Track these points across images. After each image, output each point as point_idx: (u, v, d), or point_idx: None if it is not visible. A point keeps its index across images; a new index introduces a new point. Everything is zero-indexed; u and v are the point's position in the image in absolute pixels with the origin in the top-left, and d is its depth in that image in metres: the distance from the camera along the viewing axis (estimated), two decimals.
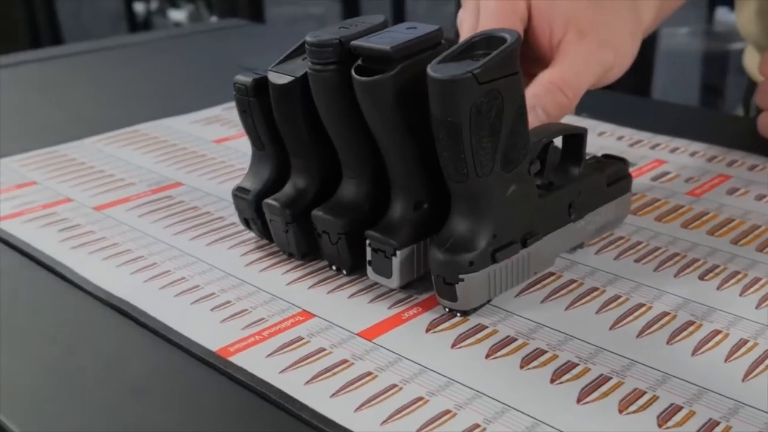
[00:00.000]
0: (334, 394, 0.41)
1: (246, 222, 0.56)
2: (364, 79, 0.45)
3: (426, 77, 0.43)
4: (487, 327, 0.46)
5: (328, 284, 0.51)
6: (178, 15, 3.70)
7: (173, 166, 0.70)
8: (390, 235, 0.48)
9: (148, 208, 0.62)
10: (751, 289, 0.50)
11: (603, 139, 0.74)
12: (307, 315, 0.48)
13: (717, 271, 0.52)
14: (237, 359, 0.44)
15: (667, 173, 0.67)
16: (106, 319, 0.48)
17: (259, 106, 0.52)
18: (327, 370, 0.43)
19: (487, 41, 0.45)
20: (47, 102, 0.90)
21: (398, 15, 2.86)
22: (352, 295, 0.50)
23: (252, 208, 0.54)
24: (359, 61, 0.46)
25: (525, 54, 0.52)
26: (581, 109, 0.80)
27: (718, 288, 0.50)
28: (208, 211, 0.61)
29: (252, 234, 0.57)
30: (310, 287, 0.51)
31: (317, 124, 0.50)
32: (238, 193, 0.55)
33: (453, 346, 0.45)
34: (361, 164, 0.50)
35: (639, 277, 0.51)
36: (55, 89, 0.95)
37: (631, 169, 0.66)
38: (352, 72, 0.45)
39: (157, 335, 0.46)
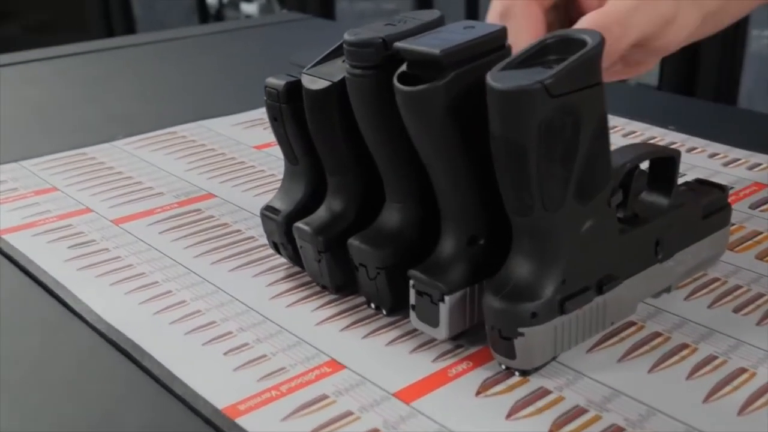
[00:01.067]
0: None
1: (275, 246, 0.48)
2: (407, 88, 0.37)
3: (485, 87, 0.35)
4: (551, 392, 0.38)
5: (365, 326, 0.43)
6: (249, 8, 3.67)
7: (206, 174, 0.63)
8: (438, 277, 0.40)
9: (173, 223, 0.55)
10: None
11: (693, 156, 0.65)
12: (336, 366, 0.40)
13: None
14: (246, 421, 0.36)
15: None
16: (104, 357, 0.42)
17: (293, 114, 0.45)
18: None
19: (563, 44, 0.37)
20: (86, 97, 0.84)
21: (472, 12, 2.75)
22: (391, 341, 0.42)
23: (282, 231, 0.47)
24: (404, 67, 0.38)
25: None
26: (668, 122, 0.71)
27: None
28: (238, 229, 0.54)
29: (282, 259, 0.49)
30: (342, 329, 0.43)
31: (357, 137, 0.42)
32: (267, 212, 0.48)
33: (509, 416, 0.37)
34: (408, 186, 0.42)
35: (739, 332, 0.42)
36: (98, 84, 0.89)
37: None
38: (394, 79, 0.37)
39: (158, 382, 0.39)
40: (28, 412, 0.38)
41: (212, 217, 0.56)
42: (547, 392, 0.38)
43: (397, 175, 0.42)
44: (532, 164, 0.35)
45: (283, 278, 0.48)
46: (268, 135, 0.71)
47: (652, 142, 0.68)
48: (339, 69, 0.43)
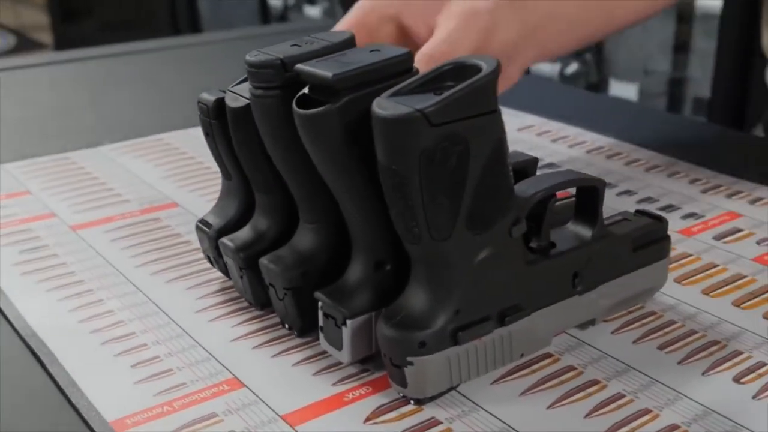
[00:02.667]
0: None
1: (209, 259, 0.49)
2: (302, 111, 0.37)
3: None
4: (441, 423, 0.37)
5: (278, 345, 0.43)
6: (313, 11, 3.70)
7: (178, 183, 0.63)
8: (341, 301, 0.39)
9: (128, 231, 0.56)
10: None
11: (673, 181, 0.63)
12: (236, 384, 0.40)
13: (762, 371, 0.41)
14: None
15: (738, 230, 0.55)
16: (20, 362, 0.43)
17: (223, 130, 0.45)
18: None
19: (459, 71, 0.36)
20: (91, 101, 0.86)
21: None
22: (298, 362, 0.42)
23: (213, 245, 0.47)
24: (305, 89, 0.38)
25: None
26: (658, 142, 0.69)
27: (755, 397, 0.39)
28: (187, 240, 0.54)
29: (219, 274, 0.50)
30: (255, 347, 0.43)
31: None
32: (201, 225, 0.48)
33: None
34: (319, 208, 0.42)
35: (656, 371, 0.41)
36: (109, 87, 0.91)
37: (696, 222, 0.56)
38: (294, 102, 0.37)
39: (60, 391, 0.40)
40: None
41: (168, 226, 0.56)
42: (437, 423, 0.37)
43: (309, 197, 0.42)
44: (415, 193, 0.35)
45: (215, 292, 0.48)
46: None
47: (636, 164, 0.66)
48: None
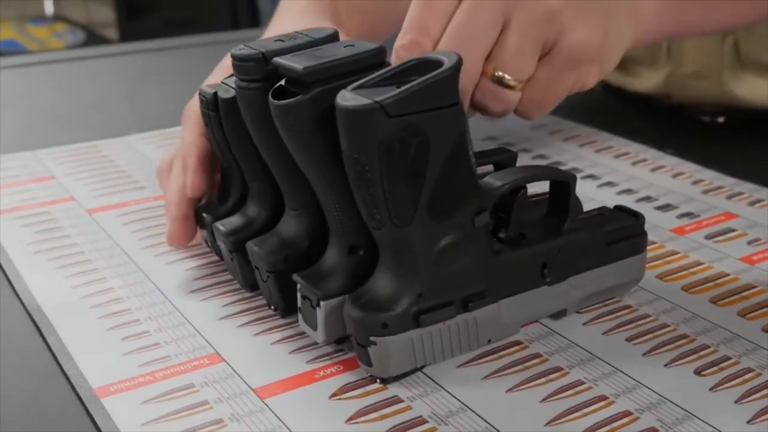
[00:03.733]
0: None
1: (206, 242, 0.52)
2: (275, 102, 0.39)
3: None
4: (402, 401, 0.39)
5: (259, 325, 0.46)
6: None
7: None
8: (316, 283, 0.42)
9: (139, 215, 0.59)
10: (754, 396, 0.39)
11: (677, 181, 0.64)
12: (216, 359, 0.43)
13: (724, 365, 0.42)
14: (109, 401, 0.39)
15: (730, 231, 0.56)
16: (22, 330, 0.46)
17: (220, 122, 0.48)
18: (192, 430, 0.38)
19: (422, 66, 0.38)
20: (129, 93, 0.90)
21: None
22: (277, 341, 0.44)
23: (209, 230, 0.50)
24: (282, 82, 0.40)
25: None
26: (666, 145, 0.70)
27: (712, 389, 0.40)
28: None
29: (216, 257, 0.52)
30: (240, 326, 0.46)
31: None
32: (200, 210, 0.51)
33: (349, 419, 0.38)
34: (301, 196, 0.44)
35: (619, 361, 0.42)
36: (148, 82, 0.94)
37: (691, 221, 0.57)
38: (270, 94, 0.40)
39: (55, 360, 0.43)
40: None
41: None
42: (397, 401, 0.39)
43: (292, 185, 0.44)
44: (375, 182, 0.37)
45: (210, 274, 0.51)
46: None
47: (642, 164, 0.67)
48: None
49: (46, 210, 0.60)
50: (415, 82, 0.36)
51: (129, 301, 0.48)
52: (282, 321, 0.46)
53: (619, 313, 0.46)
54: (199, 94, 0.48)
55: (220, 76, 0.48)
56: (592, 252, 0.45)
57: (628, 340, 0.44)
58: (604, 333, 0.45)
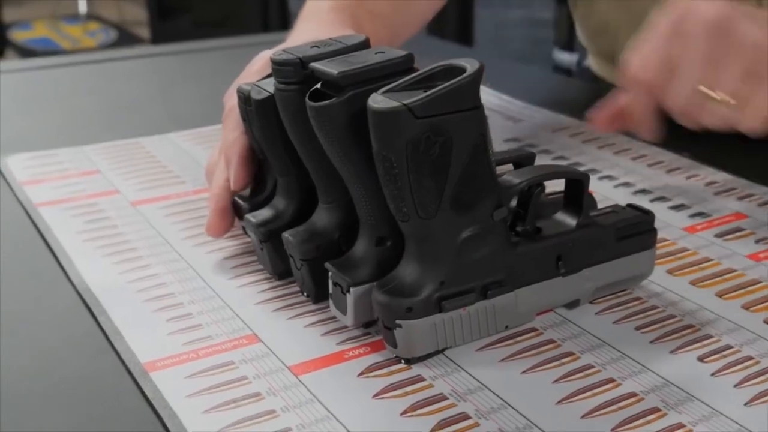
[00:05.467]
0: (223, 429, 0.39)
1: (244, 230, 0.55)
2: (311, 103, 0.42)
3: None
4: (424, 380, 0.43)
5: (293, 309, 0.49)
6: None
7: None
8: (346, 271, 0.45)
9: (181, 208, 0.63)
10: (752, 381, 0.42)
11: (690, 183, 0.67)
12: (253, 339, 0.46)
13: (727, 353, 0.45)
14: (157, 375, 0.43)
15: (739, 230, 0.58)
16: (75, 311, 0.50)
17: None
18: (233, 401, 0.41)
19: (448, 72, 0.41)
20: (166, 93, 0.94)
21: None
22: (310, 324, 0.48)
23: (244, 217, 0.53)
24: (318, 85, 0.44)
25: None
26: (683, 149, 0.72)
27: (713, 374, 0.43)
28: None
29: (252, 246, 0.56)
30: (275, 310, 0.49)
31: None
32: (237, 199, 0.54)
33: (375, 395, 0.42)
34: (333, 191, 0.48)
35: (628, 348, 0.45)
36: (186, 80, 0.98)
37: (703, 220, 0.60)
38: (306, 96, 0.43)
39: (105, 337, 0.47)
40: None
41: None
42: (420, 379, 0.43)
43: (324, 181, 0.48)
44: (402, 177, 0.40)
45: (246, 263, 0.55)
46: None
47: (657, 166, 0.70)
48: None
49: (94, 202, 0.64)
50: (440, 87, 0.39)
51: (172, 286, 0.52)
52: (313, 307, 0.49)
53: (629, 304, 0.49)
54: (238, 91, 0.52)
55: (251, 76, 0.52)
56: (604, 246, 0.48)
57: (637, 328, 0.47)
58: (614, 322, 0.48)
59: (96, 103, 0.90)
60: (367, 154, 0.43)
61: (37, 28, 4.07)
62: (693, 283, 0.52)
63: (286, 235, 0.49)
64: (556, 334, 0.46)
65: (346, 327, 0.47)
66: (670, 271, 0.53)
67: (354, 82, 0.42)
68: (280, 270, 0.51)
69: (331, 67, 0.42)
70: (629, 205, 0.50)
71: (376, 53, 0.44)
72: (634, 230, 0.49)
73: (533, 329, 0.47)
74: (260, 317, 0.48)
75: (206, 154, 0.72)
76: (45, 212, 0.62)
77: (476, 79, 0.40)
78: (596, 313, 0.48)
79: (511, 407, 0.41)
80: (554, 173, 0.46)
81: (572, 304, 0.48)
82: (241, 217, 0.55)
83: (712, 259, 0.55)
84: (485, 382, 0.43)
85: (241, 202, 0.54)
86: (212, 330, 0.47)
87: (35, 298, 0.52)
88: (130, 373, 0.44)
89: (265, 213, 0.51)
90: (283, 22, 3.50)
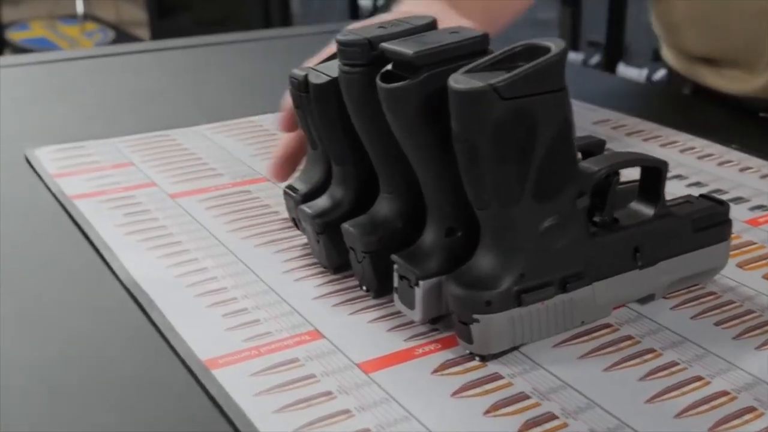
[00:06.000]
0: (298, 430, 0.37)
1: (294, 221, 0.53)
2: (384, 85, 0.40)
3: None
4: (502, 378, 0.41)
5: (354, 305, 0.47)
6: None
7: (267, 160, 0.68)
8: (414, 263, 0.43)
9: (221, 201, 0.60)
10: None
11: (745, 175, 0.65)
12: (316, 335, 0.44)
13: None
14: (220, 373, 0.41)
15: None
16: (124, 308, 0.47)
17: (311, 103, 0.49)
18: (304, 400, 0.39)
19: (530, 51, 0.39)
20: (192, 87, 0.91)
21: (617, 21, 2.71)
22: (373, 320, 0.46)
23: (297, 210, 0.51)
24: (389, 66, 0.41)
25: None
26: (731, 140, 0.70)
27: None
28: (276, 211, 0.59)
29: (304, 240, 0.54)
30: (335, 305, 0.47)
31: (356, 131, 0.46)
32: (288, 191, 0.52)
33: (454, 394, 0.39)
34: (397, 179, 0.46)
35: (711, 344, 0.43)
36: (206, 74, 0.96)
37: (763, 213, 0.58)
38: (378, 78, 0.41)
39: (159, 333, 0.45)
40: (43, 344, 0.44)
41: (257, 198, 0.61)
42: (498, 377, 0.41)
43: (387, 168, 0.45)
44: (484, 162, 0.38)
45: (299, 256, 0.52)
46: None
47: (708, 159, 0.68)
48: None
49: (131, 194, 0.61)
50: (526, 67, 0.37)
51: (224, 280, 0.49)
52: (375, 301, 0.47)
53: (704, 299, 0.47)
54: (290, 77, 0.50)
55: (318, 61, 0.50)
56: (681, 237, 0.46)
57: (717, 324, 0.45)
58: (692, 317, 0.45)
59: (115, 95, 0.87)
60: (441, 138, 0.41)
61: (35, 28, 4.04)
62: (766, 277, 0.50)
63: (347, 226, 0.46)
64: (633, 330, 0.44)
65: (412, 322, 0.45)
66: (740, 265, 0.51)
67: (430, 62, 0.39)
68: (336, 263, 0.49)
69: (404, 47, 0.40)
70: (702, 196, 0.48)
71: (449, 33, 0.41)
72: (710, 221, 0.47)
73: (608, 325, 0.45)
74: (320, 312, 0.46)
75: (239, 146, 0.70)
76: (81, 205, 0.59)
77: (562, 58, 0.38)
78: (671, 309, 0.46)
79: (599, 406, 0.38)
80: (633, 160, 0.44)
81: (646, 299, 0.46)
82: (289, 207, 0.53)
83: None
84: (567, 380, 0.40)
85: (291, 193, 0.52)
86: (271, 326, 0.45)
87: (80, 293, 0.49)
88: (190, 371, 0.41)
89: (321, 203, 0.49)
90: (285, 19, 3.48)
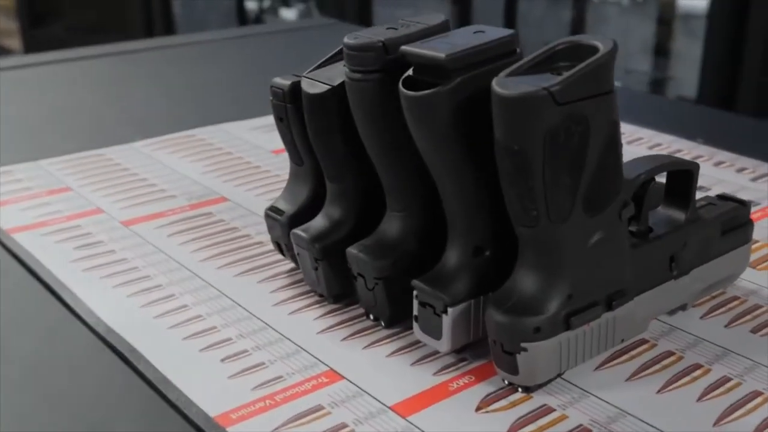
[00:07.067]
0: None
1: (279, 247, 0.48)
2: (412, 93, 0.36)
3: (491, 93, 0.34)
4: (554, 410, 0.37)
5: (365, 337, 0.42)
6: (289, 14, 3.68)
7: (221, 178, 0.62)
8: (441, 288, 0.39)
9: (182, 226, 0.54)
10: None
11: (720, 170, 0.63)
12: (335, 376, 0.39)
13: None
14: (237, 430, 0.35)
15: None
16: (101, 360, 0.41)
17: (298, 114, 0.44)
18: None
19: (573, 50, 0.35)
20: (105, 99, 0.84)
21: (509, 20, 2.73)
22: (392, 353, 0.41)
23: (285, 232, 0.46)
24: (410, 71, 0.37)
25: None
26: (696, 134, 0.69)
27: None
28: (247, 234, 0.53)
29: (289, 266, 0.49)
30: (343, 339, 0.42)
31: (357, 143, 0.41)
32: (271, 213, 0.47)
33: None
34: (410, 195, 0.41)
35: (756, 354, 0.40)
36: (117, 86, 0.89)
37: (754, 209, 0.56)
38: (400, 84, 0.36)
39: (152, 388, 0.39)
40: (22, 413, 0.37)
41: (222, 221, 0.55)
42: (550, 410, 0.37)
43: (399, 184, 0.41)
44: (537, 174, 0.34)
45: (287, 285, 0.47)
46: None
47: (677, 155, 0.66)
48: (339, 73, 0.42)
49: (77, 224, 0.55)
50: (580, 67, 0.34)
51: (211, 318, 0.44)
52: (387, 332, 0.42)
53: (730, 305, 0.45)
54: (272, 87, 0.45)
55: None
56: (711, 243, 0.43)
57: (753, 331, 0.42)
58: (725, 326, 0.43)
59: (33, 112, 0.79)
60: (471, 148, 0.37)
61: None
62: None
63: (354, 251, 0.41)
64: (670, 344, 0.41)
65: (435, 353, 0.40)
66: (752, 265, 0.49)
67: (463, 65, 0.35)
68: (336, 291, 0.44)
69: (433, 50, 0.35)
70: (720, 196, 0.46)
71: (474, 33, 0.37)
72: (735, 223, 0.44)
73: (644, 341, 0.42)
74: (330, 349, 0.41)
75: (185, 164, 0.65)
76: (22, 239, 0.52)
77: (612, 58, 0.34)
78: (701, 318, 0.44)
79: None
80: (668, 164, 0.41)
81: (677, 310, 0.43)
82: (272, 232, 0.48)
83: None
84: (623, 407, 0.37)
85: (275, 215, 0.47)
86: (280, 369, 0.40)
87: (45, 346, 0.43)
88: (200, 430, 0.36)
89: (317, 225, 0.44)
90: (168, 26, 3.36)
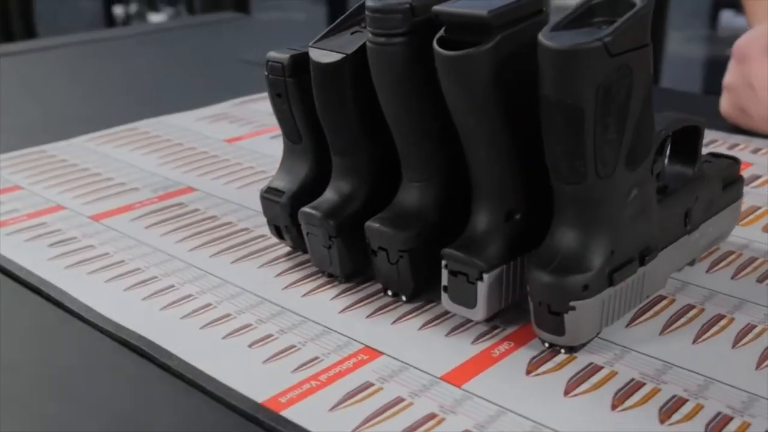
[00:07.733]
0: None
1: (277, 230, 0.46)
2: (452, 53, 0.35)
3: (529, 51, 0.34)
4: (602, 367, 0.37)
5: (390, 313, 0.41)
6: (157, 18, 3.59)
7: (181, 169, 0.59)
8: (475, 255, 0.38)
9: (157, 217, 0.51)
10: None
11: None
12: (373, 353, 0.38)
13: None
14: (292, 414, 0.34)
15: (757, 177, 0.57)
16: (116, 358, 0.38)
17: (298, 89, 0.43)
18: (414, 428, 0.33)
19: (609, 5, 0.35)
20: (27, 98, 0.79)
21: None
22: (422, 326, 0.40)
23: (287, 213, 0.44)
24: (442, 32, 0.36)
25: None
26: None
27: None
28: (229, 221, 0.51)
29: (284, 250, 0.47)
30: (368, 316, 0.41)
31: (370, 114, 0.40)
32: (269, 195, 0.45)
33: (566, 393, 0.35)
34: (431, 163, 0.40)
35: None
36: (35, 85, 0.84)
37: None
38: (435, 45, 0.35)
39: (184, 381, 0.36)
40: (60, 422, 0.34)
41: (198, 210, 0.52)
42: (598, 368, 0.37)
43: (420, 152, 0.40)
44: (588, 129, 0.34)
45: (290, 268, 0.45)
46: (237, 129, 0.68)
47: None
48: (350, 41, 0.41)
49: (41, 221, 0.51)
50: (625, 19, 0.33)
51: (222, 306, 0.42)
52: (409, 306, 0.41)
53: (729, 259, 0.46)
54: (270, 61, 0.43)
55: None
56: (715, 198, 0.44)
57: (759, 281, 0.44)
58: (732, 278, 0.44)
59: None
60: (508, 108, 0.36)
61: None
62: (766, 230, 0.50)
63: (376, 224, 0.40)
64: (688, 298, 0.42)
65: (468, 323, 0.40)
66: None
67: (505, 22, 0.35)
68: (349, 270, 0.43)
69: (471, 8, 0.35)
70: (711, 154, 0.47)
71: None
72: (730, 179, 0.45)
73: (662, 297, 0.42)
74: (358, 326, 0.40)
75: (137, 156, 0.61)
76: None
77: (650, 9, 0.35)
78: (707, 272, 0.45)
79: (719, 382, 0.36)
80: (683, 119, 0.41)
81: (684, 265, 0.44)
82: (270, 215, 0.46)
83: (760, 206, 0.53)
84: (666, 359, 0.37)
85: (274, 197, 0.45)
86: (314, 350, 0.38)
87: (55, 352, 0.39)
88: (253, 419, 0.34)
89: (328, 201, 0.42)
90: (28, 30, 3.21)
